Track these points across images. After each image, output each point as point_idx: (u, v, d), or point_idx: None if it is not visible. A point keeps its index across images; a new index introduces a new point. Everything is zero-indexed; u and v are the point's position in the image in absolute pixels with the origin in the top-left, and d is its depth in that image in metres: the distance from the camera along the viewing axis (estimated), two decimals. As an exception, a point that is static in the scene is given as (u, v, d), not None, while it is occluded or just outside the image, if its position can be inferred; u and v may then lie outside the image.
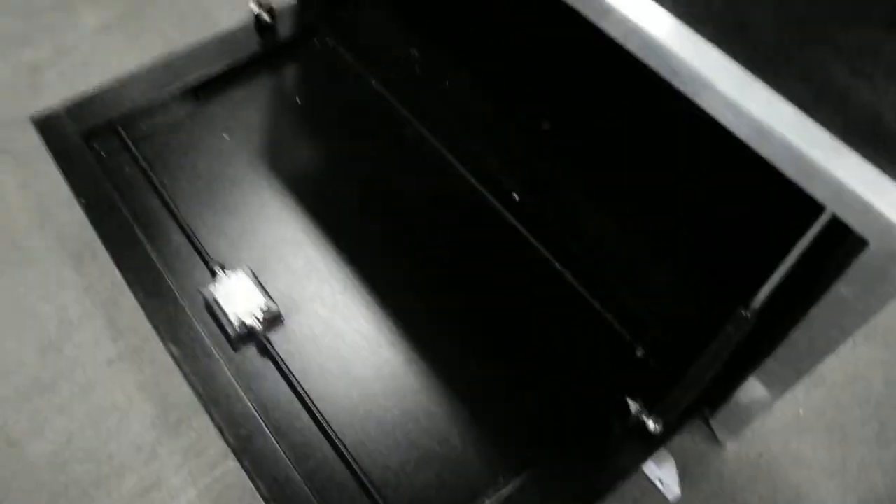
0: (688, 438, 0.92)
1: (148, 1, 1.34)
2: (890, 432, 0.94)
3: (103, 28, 1.32)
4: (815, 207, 0.55)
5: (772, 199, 0.68)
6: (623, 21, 0.60)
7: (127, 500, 0.89)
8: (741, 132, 0.56)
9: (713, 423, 0.89)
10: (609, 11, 0.61)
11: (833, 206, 0.54)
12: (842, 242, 0.58)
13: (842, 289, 0.59)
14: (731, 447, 0.91)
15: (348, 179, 1.05)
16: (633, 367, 0.89)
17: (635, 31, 0.60)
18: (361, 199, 1.03)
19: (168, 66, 1.10)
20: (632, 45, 0.61)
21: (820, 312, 0.63)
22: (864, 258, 0.56)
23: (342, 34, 1.17)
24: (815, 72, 0.57)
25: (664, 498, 0.88)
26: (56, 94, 1.16)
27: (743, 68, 0.57)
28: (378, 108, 1.11)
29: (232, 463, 0.90)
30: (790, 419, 0.95)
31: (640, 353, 0.89)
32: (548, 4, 0.68)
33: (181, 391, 0.95)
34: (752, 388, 0.79)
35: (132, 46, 1.29)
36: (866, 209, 0.52)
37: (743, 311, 0.63)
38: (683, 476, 0.89)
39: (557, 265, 0.96)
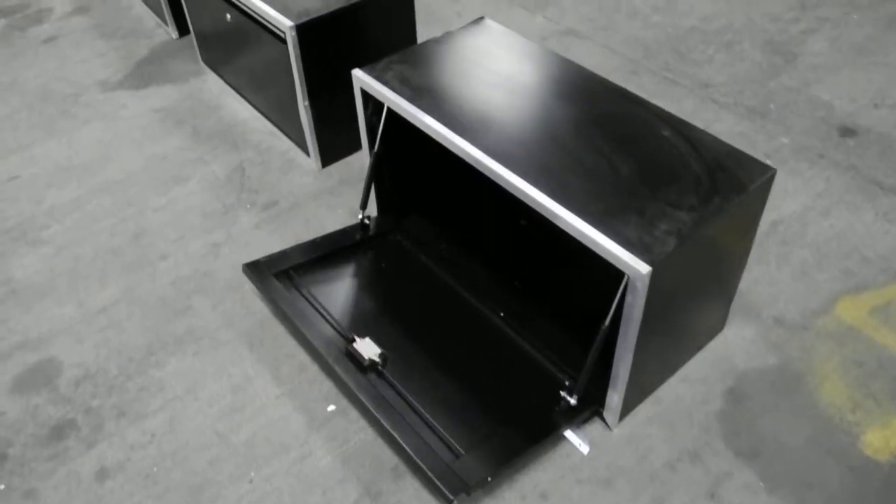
0: (591, 427, 1.78)
1: (284, 212, 2.32)
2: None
3: (256, 225, 2.29)
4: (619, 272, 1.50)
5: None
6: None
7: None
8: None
9: (605, 414, 1.76)
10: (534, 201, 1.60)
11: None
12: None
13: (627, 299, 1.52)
14: (616, 430, 1.77)
15: (408, 305, 1.97)
16: (560, 386, 1.78)
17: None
18: (417, 315, 1.95)
19: (314, 243, 2.06)
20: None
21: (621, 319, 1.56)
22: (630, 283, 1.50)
23: (404, 233, 2.16)
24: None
25: (581, 453, 1.72)
26: (230, 260, 2.11)
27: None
28: (424, 272, 2.06)
29: (366, 426, 1.72)
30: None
31: (566, 381, 1.78)
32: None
33: (325, 388, 1.79)
34: (612, 394, 1.68)
35: (274, 236, 2.25)
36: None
37: (602, 327, 1.56)
38: (590, 446, 1.74)
39: (519, 339, 1.87)
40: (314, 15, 2.16)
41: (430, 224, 2.18)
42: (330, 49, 2.25)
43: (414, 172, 2.15)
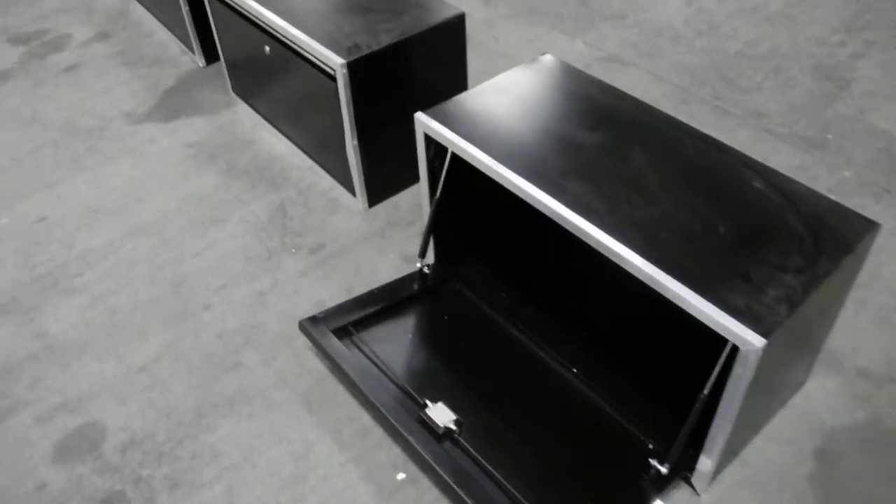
0: (678, 493, 1.67)
1: (332, 257, 2.20)
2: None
3: (303, 272, 2.17)
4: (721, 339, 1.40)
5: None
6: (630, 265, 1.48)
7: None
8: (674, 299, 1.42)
9: (693, 480, 1.65)
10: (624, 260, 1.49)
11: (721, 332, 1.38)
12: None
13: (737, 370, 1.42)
14: (705, 496, 1.66)
15: (475, 362, 1.86)
16: (645, 451, 1.67)
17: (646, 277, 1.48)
18: (485, 372, 1.83)
19: (371, 295, 1.94)
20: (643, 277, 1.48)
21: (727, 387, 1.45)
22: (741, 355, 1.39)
23: (463, 280, 2.04)
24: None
25: (670, 526, 1.61)
26: (278, 310, 2.00)
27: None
28: (488, 324, 1.95)
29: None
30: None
31: (650, 444, 1.67)
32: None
33: (392, 455, 1.68)
34: (704, 460, 1.57)
35: (323, 283, 2.13)
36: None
37: (701, 396, 1.45)
38: (679, 515, 1.63)
39: (595, 397, 1.76)
40: (365, 51, 2.05)
41: (490, 270, 2.07)
42: (380, 85, 2.15)
43: (474, 217, 2.04)
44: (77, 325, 2.08)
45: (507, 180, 1.62)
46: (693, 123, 1.77)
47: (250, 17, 2.36)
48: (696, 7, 3.27)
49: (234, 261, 2.21)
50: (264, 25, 2.31)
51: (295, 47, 2.20)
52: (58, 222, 2.41)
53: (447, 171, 1.87)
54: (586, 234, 1.51)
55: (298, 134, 2.52)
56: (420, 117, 1.81)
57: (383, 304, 1.93)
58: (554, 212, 1.55)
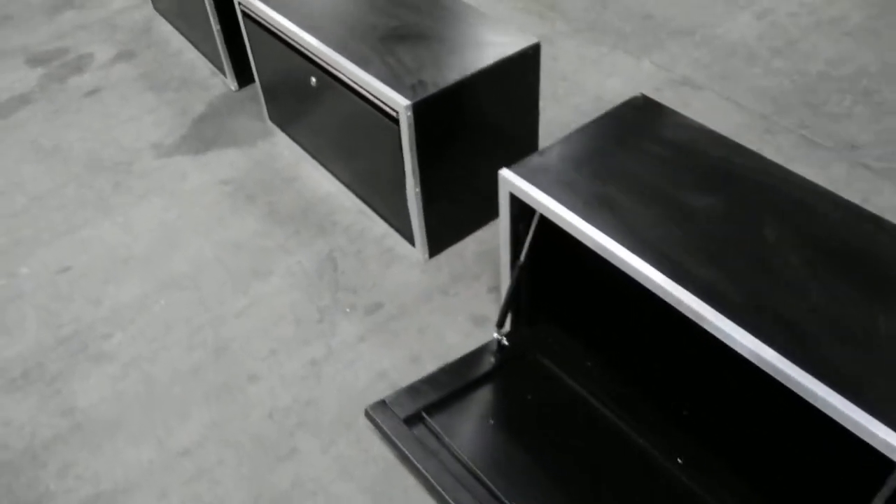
0: None
1: (392, 319, 1.96)
2: None
3: (360, 337, 1.93)
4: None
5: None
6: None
7: None
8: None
9: None
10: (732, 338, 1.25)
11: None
12: None
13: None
14: None
15: (565, 451, 1.62)
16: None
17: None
18: (578, 463, 1.60)
19: (444, 373, 1.71)
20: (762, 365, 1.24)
21: None
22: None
23: (544, 350, 1.80)
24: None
25: None
26: (335, 384, 1.77)
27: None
28: (575, 402, 1.71)
29: None
30: None
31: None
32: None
33: None
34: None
35: (384, 351, 1.90)
36: None
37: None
38: None
39: (706, 496, 1.51)
40: (432, 90, 1.81)
41: (576, 340, 1.83)
42: (447, 125, 1.90)
43: (558, 279, 1.80)
44: (109, 398, 1.86)
45: (621, 260, 1.38)
46: (780, 158, 1.53)
47: (293, 43, 2.12)
48: (769, 21, 3.00)
49: (282, 323, 1.98)
50: (310, 55, 2.07)
51: (347, 81, 1.96)
52: (83, 273, 2.18)
53: (534, 234, 1.63)
54: (722, 332, 1.26)
55: (347, 172, 2.28)
56: (506, 175, 1.56)
57: (458, 383, 1.69)
58: (680, 301, 1.31)
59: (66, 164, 2.56)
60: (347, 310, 2.00)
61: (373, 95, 1.88)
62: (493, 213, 1.98)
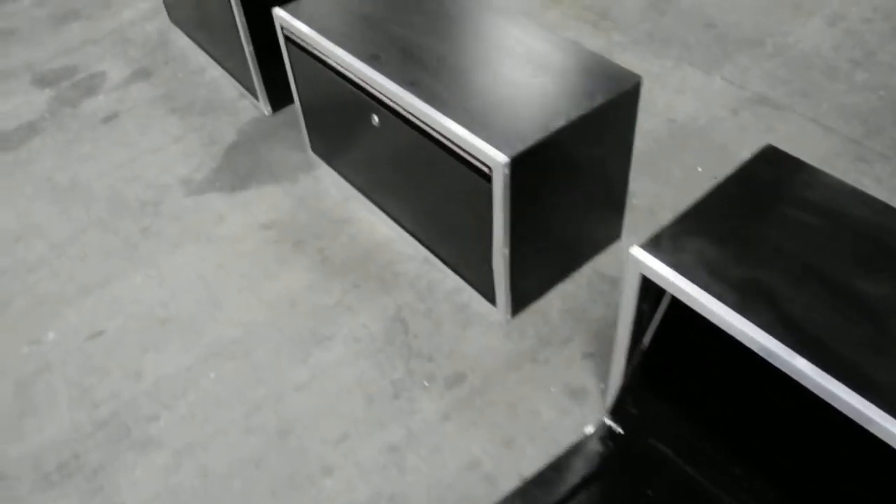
0: None
1: (477, 393, 1.74)
2: None
3: (444, 415, 1.71)
4: None
5: None
6: None
7: None
8: None
9: None
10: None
11: None
12: None
13: None
14: None
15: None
16: None
17: None
18: None
19: (552, 472, 1.49)
20: None
21: None
22: None
23: (656, 433, 1.59)
24: None
25: None
26: (421, 476, 1.56)
27: None
28: (696, 493, 1.51)
29: None
30: None
31: None
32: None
33: None
34: None
35: (472, 432, 1.67)
36: None
37: None
38: None
39: None
40: (531, 142, 1.57)
41: (685, 418, 1.62)
42: (543, 179, 1.67)
43: (678, 361, 1.58)
44: (161, 495, 1.63)
45: (787, 363, 1.16)
46: (881, 190, 1.30)
47: (352, 78, 1.87)
48: (842, 28, 2.77)
49: (352, 399, 1.75)
50: (374, 92, 1.82)
51: (421, 125, 1.72)
52: (117, 339, 1.94)
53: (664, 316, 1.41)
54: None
55: (409, 216, 2.04)
56: (637, 254, 1.34)
57: (569, 484, 1.48)
58: (870, 420, 1.10)
59: (86, 205, 2.30)
60: (426, 383, 1.77)
61: (457, 146, 1.64)
62: (576, 264, 1.76)
